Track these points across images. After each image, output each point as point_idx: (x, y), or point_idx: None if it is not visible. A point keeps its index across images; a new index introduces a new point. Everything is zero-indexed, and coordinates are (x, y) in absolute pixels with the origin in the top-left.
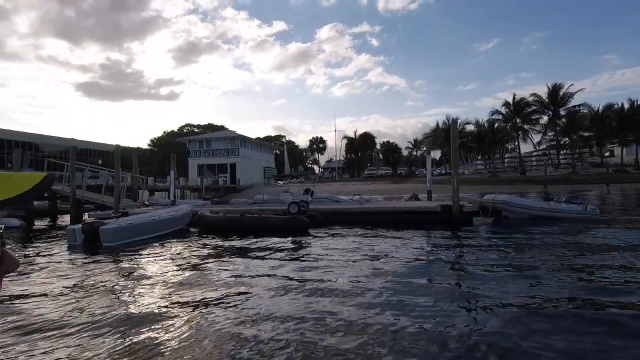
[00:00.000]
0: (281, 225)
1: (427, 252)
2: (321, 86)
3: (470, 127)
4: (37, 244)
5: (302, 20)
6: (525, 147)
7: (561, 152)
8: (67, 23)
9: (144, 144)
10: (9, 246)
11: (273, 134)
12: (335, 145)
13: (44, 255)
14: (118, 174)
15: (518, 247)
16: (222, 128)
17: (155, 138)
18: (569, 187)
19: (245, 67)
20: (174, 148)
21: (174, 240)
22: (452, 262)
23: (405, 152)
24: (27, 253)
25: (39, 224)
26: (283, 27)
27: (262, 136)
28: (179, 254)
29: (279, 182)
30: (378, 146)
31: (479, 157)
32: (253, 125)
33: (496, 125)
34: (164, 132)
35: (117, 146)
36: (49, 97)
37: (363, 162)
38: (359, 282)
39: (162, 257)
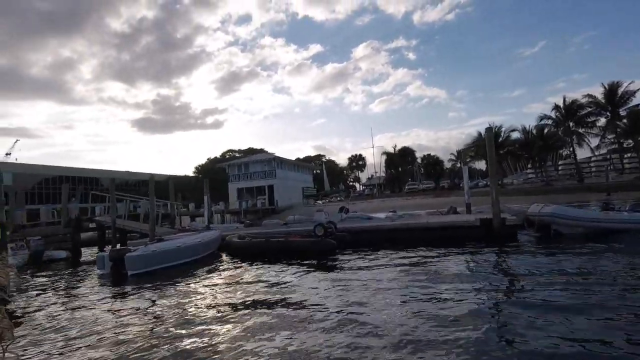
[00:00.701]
0: (307, 248)
1: (463, 275)
2: (359, 103)
3: (516, 135)
4: (74, 273)
5: (337, 41)
6: (582, 153)
7: (625, 156)
8: (123, 66)
9: (191, 171)
10: None
11: (314, 153)
12: (374, 162)
13: (74, 283)
14: (152, 202)
15: (569, 267)
16: (261, 151)
17: (199, 165)
18: (638, 194)
19: (284, 91)
20: (216, 174)
21: (200, 267)
22: (494, 289)
23: (448, 165)
24: (58, 280)
25: (87, 254)
26: (319, 50)
27: (303, 156)
28: (198, 282)
29: (318, 201)
30: (419, 160)
31: (529, 166)
32: (294, 146)
33: (546, 130)
34: (208, 159)
35: (151, 176)
36: (110, 134)
37: (404, 177)
38: (384, 314)
39: (182, 286)
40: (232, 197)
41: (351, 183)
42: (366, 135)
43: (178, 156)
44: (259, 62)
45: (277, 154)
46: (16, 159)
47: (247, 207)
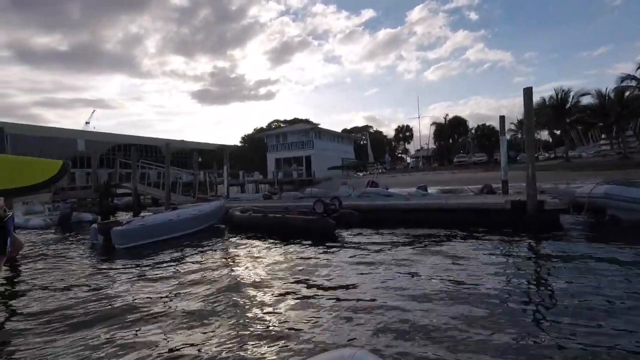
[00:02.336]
0: (303, 227)
1: (477, 272)
2: (413, 71)
3: (588, 100)
4: (78, 238)
5: (391, 5)
6: None
7: None
8: (182, 40)
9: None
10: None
11: (366, 124)
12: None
13: (66, 250)
14: (168, 169)
15: (626, 264)
16: (306, 122)
17: (245, 135)
18: None
19: (336, 60)
20: (258, 143)
21: (191, 241)
22: (521, 296)
23: (507, 136)
24: (59, 241)
25: (124, 218)
26: (371, 15)
27: (352, 127)
28: (183, 256)
29: (359, 173)
30: (473, 131)
31: (603, 136)
32: (345, 117)
33: (627, 94)
34: (254, 129)
35: (167, 143)
36: (174, 105)
37: (455, 149)
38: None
39: (162, 259)
40: (270, 167)
41: (400, 155)
42: (420, 105)
43: (235, 126)
44: (310, 31)
45: (325, 125)
46: (94, 128)
47: (282, 178)
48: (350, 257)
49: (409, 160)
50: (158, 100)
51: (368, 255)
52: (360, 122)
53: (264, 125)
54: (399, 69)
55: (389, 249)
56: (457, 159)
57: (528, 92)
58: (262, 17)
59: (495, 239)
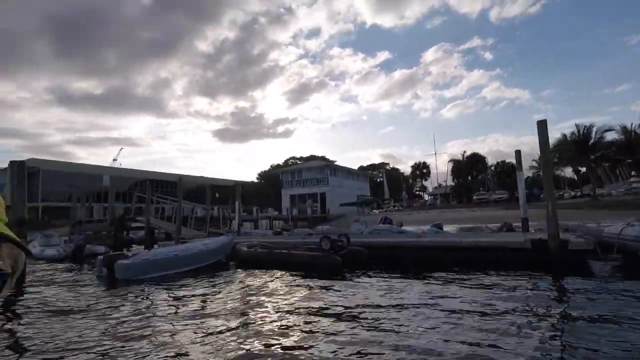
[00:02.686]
0: (309, 263)
1: (494, 320)
2: (429, 109)
3: (612, 135)
4: (85, 271)
5: (405, 47)
6: None
7: None
8: (207, 83)
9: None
10: None
11: (382, 161)
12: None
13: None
14: (180, 204)
15: None
16: (322, 159)
17: (262, 172)
18: None
19: (352, 100)
20: (274, 180)
21: (195, 275)
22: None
23: (529, 173)
24: (66, 271)
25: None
26: (387, 56)
27: (368, 164)
28: (183, 292)
29: (374, 210)
30: (492, 168)
31: (633, 173)
32: (361, 155)
33: None
34: (271, 166)
35: (180, 178)
36: (196, 143)
37: (475, 186)
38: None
39: (161, 294)
40: (285, 204)
41: (417, 192)
42: (437, 143)
43: (253, 163)
44: (328, 72)
45: (341, 162)
46: (120, 164)
47: (296, 214)
48: (354, 295)
49: (426, 197)
50: (182, 139)
51: (374, 295)
52: (376, 159)
53: (281, 162)
54: (414, 107)
55: (396, 289)
56: (477, 197)
57: (542, 125)
58: (282, 60)
59: (513, 280)
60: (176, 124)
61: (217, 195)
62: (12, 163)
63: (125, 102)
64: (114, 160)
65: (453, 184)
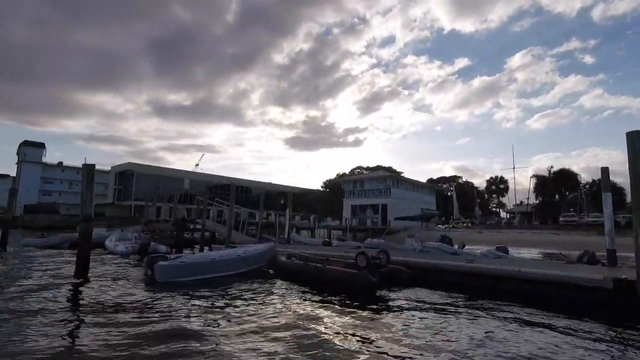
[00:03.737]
0: (341, 279)
1: None
2: (513, 119)
3: None
4: (138, 269)
5: (487, 53)
6: None
7: None
8: (281, 93)
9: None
10: None
11: (455, 174)
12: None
13: (123, 277)
14: (231, 208)
15: None
16: (388, 169)
17: (327, 180)
18: None
19: (425, 109)
20: (338, 189)
21: (231, 282)
22: None
23: None
24: (121, 268)
25: (190, 252)
26: (465, 63)
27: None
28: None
29: (440, 225)
30: (586, 186)
31: None
32: (434, 166)
33: None
34: (337, 175)
35: (232, 183)
36: (269, 151)
37: (563, 206)
38: None
39: (194, 299)
40: (346, 213)
41: (494, 209)
42: (521, 156)
43: (321, 171)
44: (401, 81)
45: (411, 174)
46: (201, 169)
47: (355, 224)
48: (386, 327)
49: (503, 215)
50: (256, 146)
51: (411, 328)
52: (449, 172)
53: (347, 171)
54: (495, 117)
55: (440, 323)
56: (564, 218)
57: (632, 137)
58: (354, 69)
59: (584, 328)
60: (252, 132)
61: (282, 201)
62: (84, 166)
63: (209, 112)
64: (196, 165)
65: (536, 202)
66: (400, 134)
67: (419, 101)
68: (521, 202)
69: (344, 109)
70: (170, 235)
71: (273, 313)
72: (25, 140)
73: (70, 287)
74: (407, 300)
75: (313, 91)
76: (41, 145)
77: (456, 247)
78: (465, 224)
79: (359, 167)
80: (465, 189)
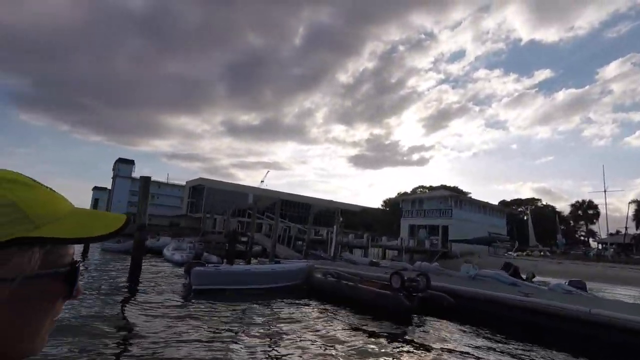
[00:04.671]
0: (373, 301)
1: None
2: (607, 136)
3: None
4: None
5: (575, 62)
6: None
7: None
8: (345, 111)
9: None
10: None
11: (534, 196)
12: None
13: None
14: (276, 223)
15: None
16: (454, 190)
17: (387, 199)
18: None
19: (499, 125)
20: (396, 208)
21: (264, 297)
22: None
23: None
24: (171, 280)
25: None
26: (547, 75)
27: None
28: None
29: (510, 252)
30: None
31: None
32: (508, 188)
33: None
34: (398, 194)
35: (278, 199)
36: (332, 168)
37: None
38: None
39: (224, 310)
40: (403, 234)
41: (582, 237)
42: (614, 177)
43: (385, 190)
44: (471, 97)
45: (481, 195)
46: (266, 185)
47: (412, 245)
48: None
49: (594, 244)
50: (319, 164)
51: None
52: (526, 194)
53: (409, 190)
54: (585, 134)
55: None
56: None
57: None
58: (420, 86)
59: None
60: (316, 149)
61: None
62: (141, 178)
63: (275, 130)
64: (261, 182)
65: (638, 232)
66: (470, 152)
67: (492, 117)
68: (617, 232)
69: (409, 127)
70: (221, 246)
71: (284, 329)
72: (120, 158)
73: (120, 289)
74: (445, 330)
75: (377, 109)
76: (131, 162)
77: (523, 277)
78: (542, 253)
79: (421, 187)
80: (545, 213)
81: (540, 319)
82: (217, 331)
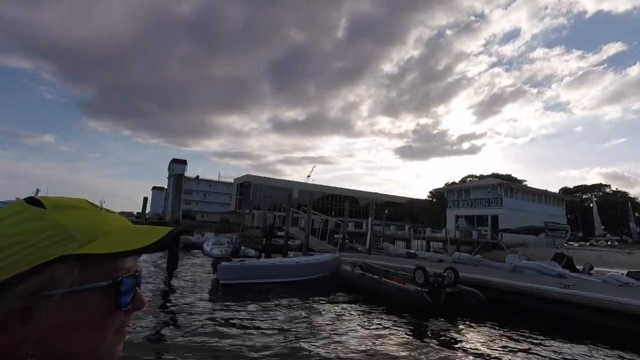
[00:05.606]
0: (393, 297)
1: None
2: None
3: None
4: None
5: None
6: None
7: None
8: (390, 102)
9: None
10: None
11: (602, 182)
12: None
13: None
14: (309, 217)
15: None
16: (510, 178)
17: (434, 189)
18: None
19: (560, 108)
20: (442, 199)
21: (290, 289)
22: None
23: None
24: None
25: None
26: (618, 49)
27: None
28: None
29: (572, 243)
30: None
31: None
32: (572, 174)
33: None
34: (445, 184)
35: (311, 192)
36: (378, 161)
37: None
38: None
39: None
40: (449, 224)
41: None
42: None
43: (433, 181)
44: (527, 79)
45: (540, 183)
46: (312, 180)
47: (459, 237)
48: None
49: None
50: (365, 156)
51: None
52: (594, 180)
53: (457, 180)
54: None
55: None
56: None
57: None
58: (470, 71)
59: None
60: (361, 142)
61: (385, 211)
62: (172, 176)
63: (320, 125)
64: (307, 176)
65: None
66: (527, 137)
67: (552, 99)
68: None
69: (458, 115)
70: (258, 241)
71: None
72: (173, 159)
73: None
74: (474, 329)
75: (423, 98)
76: (184, 162)
77: (580, 268)
78: (608, 242)
79: (470, 176)
80: (615, 200)
81: (582, 313)
82: (234, 324)
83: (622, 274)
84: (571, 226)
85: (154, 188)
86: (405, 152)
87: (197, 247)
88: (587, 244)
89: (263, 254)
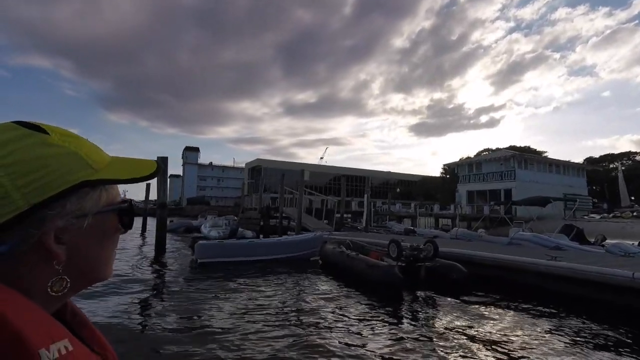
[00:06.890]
0: (364, 273)
1: None
2: None
3: None
4: None
5: None
6: None
7: None
8: (402, 78)
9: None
10: None
11: (628, 150)
12: None
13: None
14: (301, 196)
15: None
16: (528, 150)
17: (446, 165)
18: None
19: (586, 72)
20: (452, 174)
21: (269, 267)
22: None
23: None
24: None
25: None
26: None
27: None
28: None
29: (592, 215)
30: None
31: None
32: (599, 143)
33: None
34: (460, 159)
35: (302, 170)
36: (392, 139)
37: None
38: None
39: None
40: (460, 200)
41: None
42: None
43: (450, 157)
44: (549, 43)
45: (564, 154)
46: (326, 162)
47: (470, 212)
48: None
49: None
50: (379, 136)
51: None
52: (623, 147)
53: (472, 154)
54: None
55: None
56: None
57: None
58: (486, 39)
59: None
60: (374, 121)
61: (397, 190)
62: (158, 158)
63: (332, 106)
64: (321, 158)
65: None
66: (550, 106)
67: (576, 63)
68: None
69: (475, 87)
70: (256, 222)
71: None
72: (186, 146)
73: (142, 262)
74: (444, 306)
75: (437, 71)
76: (197, 150)
77: (591, 240)
78: (634, 213)
79: (486, 150)
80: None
81: (562, 285)
82: (199, 301)
83: (633, 244)
84: (597, 198)
85: (171, 176)
86: (420, 129)
87: (198, 230)
88: (611, 215)
89: (261, 235)
